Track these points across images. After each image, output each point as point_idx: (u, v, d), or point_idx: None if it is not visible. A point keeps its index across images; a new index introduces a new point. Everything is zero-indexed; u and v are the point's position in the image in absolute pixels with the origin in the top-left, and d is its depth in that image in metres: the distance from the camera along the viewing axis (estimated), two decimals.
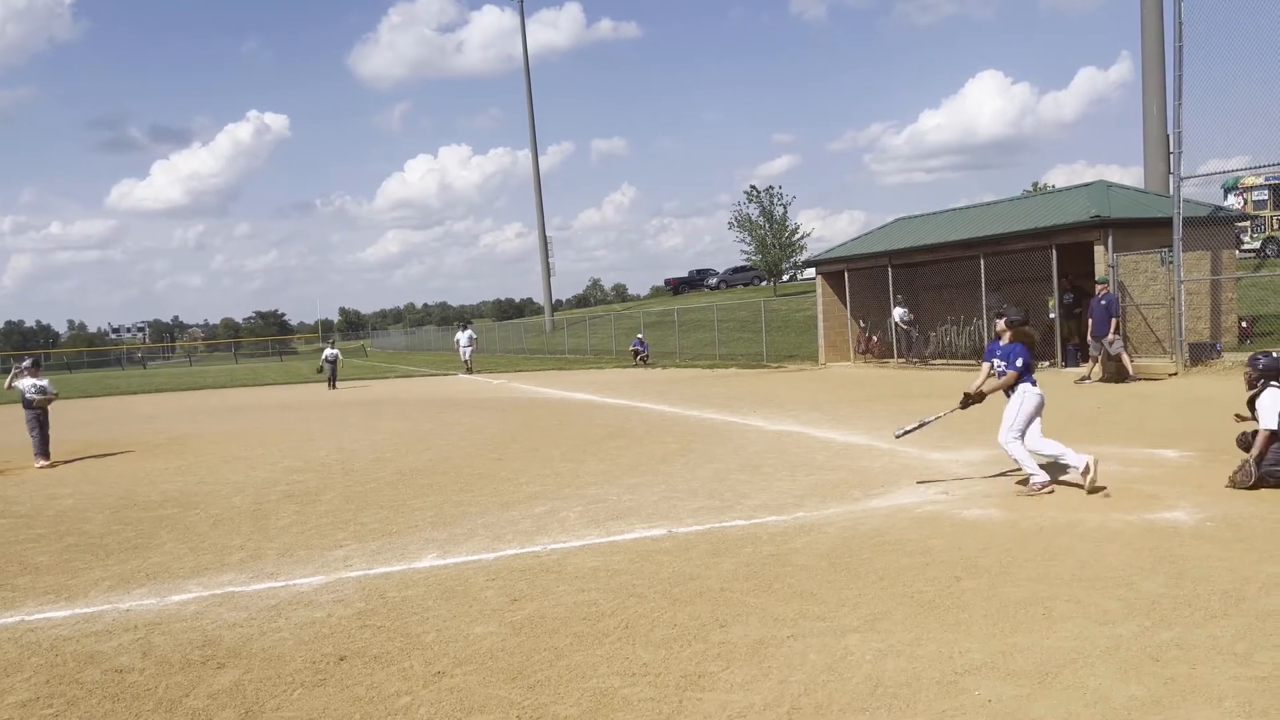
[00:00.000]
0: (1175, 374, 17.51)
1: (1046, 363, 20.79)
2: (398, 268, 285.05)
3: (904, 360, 24.82)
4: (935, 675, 4.34)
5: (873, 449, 11.10)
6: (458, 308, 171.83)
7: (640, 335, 35.40)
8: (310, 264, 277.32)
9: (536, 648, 5.00)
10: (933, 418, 9.32)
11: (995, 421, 8.53)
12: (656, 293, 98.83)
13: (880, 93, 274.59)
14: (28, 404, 13.88)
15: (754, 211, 50.90)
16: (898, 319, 24.64)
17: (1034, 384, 8.31)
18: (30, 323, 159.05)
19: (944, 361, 24.15)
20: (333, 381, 30.62)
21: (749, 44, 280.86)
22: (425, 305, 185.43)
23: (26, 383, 13.98)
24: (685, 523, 7.75)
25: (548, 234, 60.32)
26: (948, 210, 28.54)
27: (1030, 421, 8.27)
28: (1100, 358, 17.69)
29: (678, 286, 70.74)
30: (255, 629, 5.54)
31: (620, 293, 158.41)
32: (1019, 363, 8.25)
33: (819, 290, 27.91)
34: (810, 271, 32.43)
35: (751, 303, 37.91)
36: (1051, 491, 8.00)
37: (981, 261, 22.13)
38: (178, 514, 9.35)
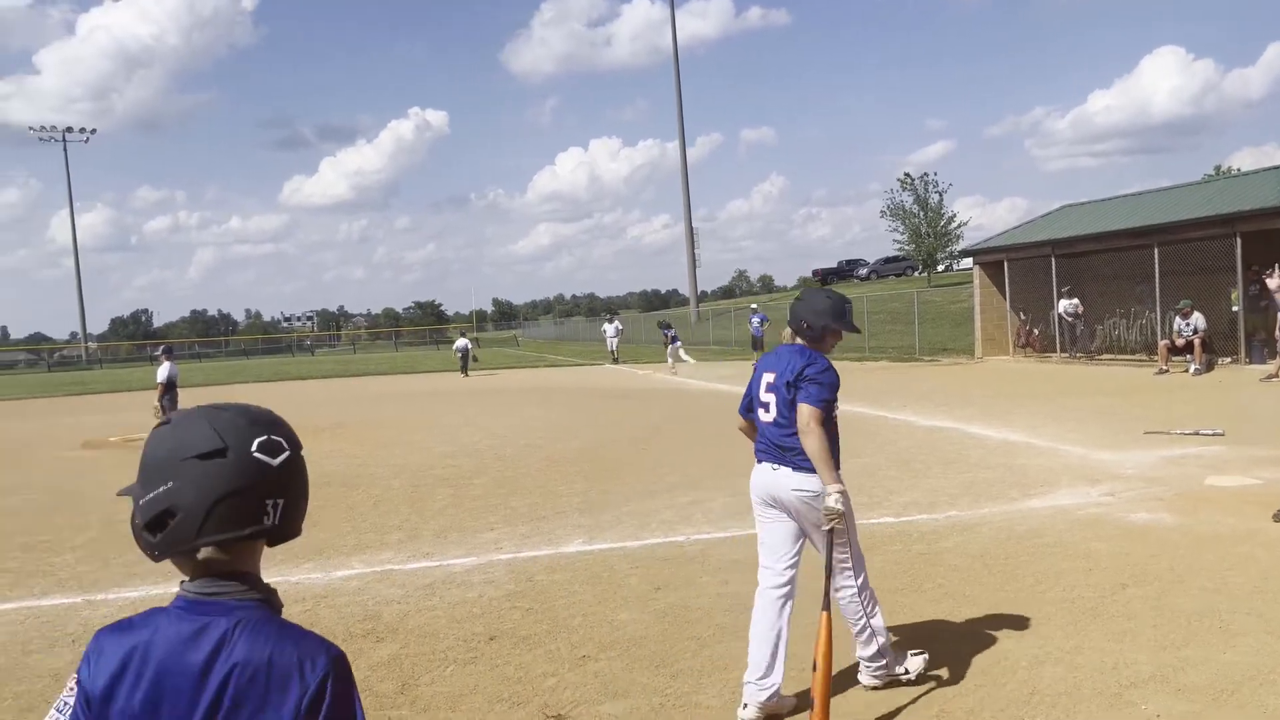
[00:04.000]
0: None
1: (1229, 359, 19.39)
2: (548, 260, 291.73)
3: (1067, 355, 23.65)
4: (1097, 686, 4.12)
5: (1031, 447, 10.63)
6: (605, 299, 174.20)
7: (755, 306, 33.83)
8: (465, 256, 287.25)
9: (679, 637, 5.03)
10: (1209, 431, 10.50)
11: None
12: (804, 283, 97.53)
13: (1042, 74, 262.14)
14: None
15: (908, 199, 49.48)
16: (1063, 311, 23.46)
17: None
18: (213, 311, 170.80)
19: (1110, 357, 22.86)
20: (465, 370, 31.79)
21: (900, 27, 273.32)
22: (574, 297, 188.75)
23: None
24: None
25: (694, 225, 60.37)
26: (1118, 196, 26.96)
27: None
28: None
29: (825, 277, 69.47)
30: (412, 606, 5.79)
31: (766, 284, 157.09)
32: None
33: (976, 281, 26.89)
34: (967, 261, 31.20)
35: (904, 294, 36.80)
36: None
37: (1155, 251, 20.81)
38: (341, 494, 9.86)
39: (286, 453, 1.49)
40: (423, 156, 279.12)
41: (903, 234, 50.13)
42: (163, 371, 14.75)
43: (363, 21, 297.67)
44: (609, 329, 37.49)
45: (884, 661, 4.26)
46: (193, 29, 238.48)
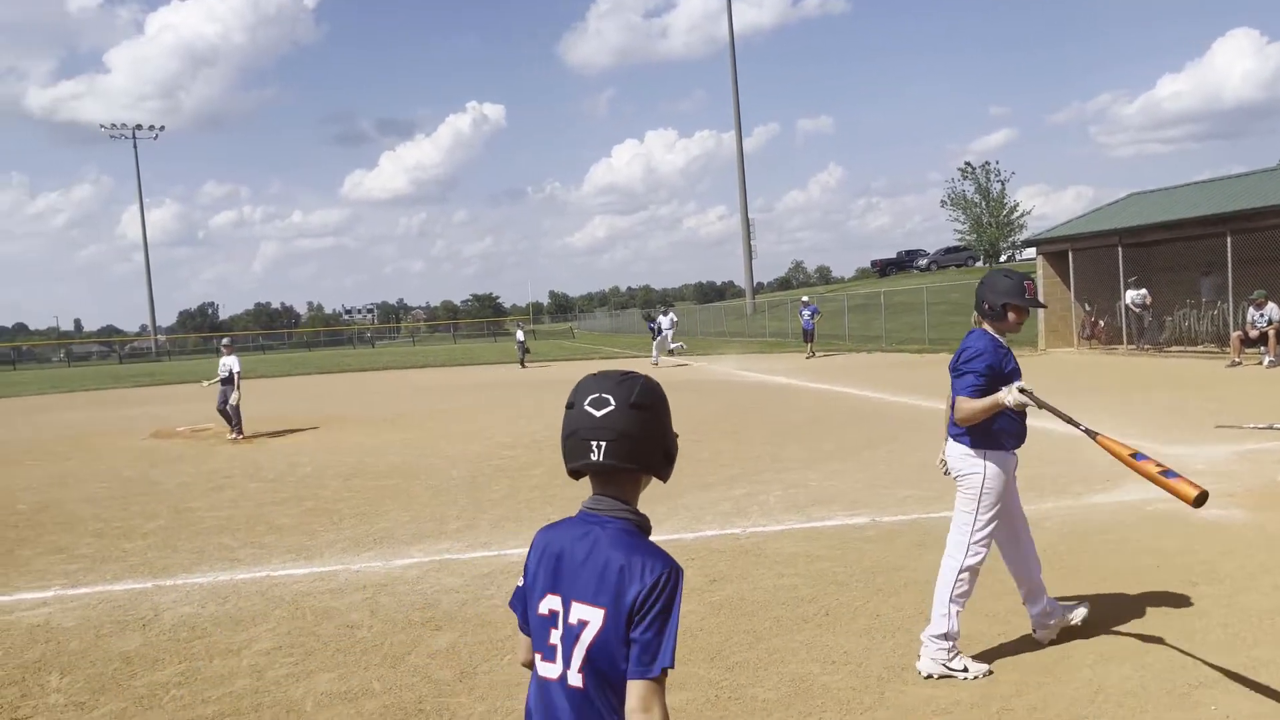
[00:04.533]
0: None
1: None
2: (604, 252, 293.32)
3: (1134, 347, 23.07)
4: (1164, 686, 4.02)
5: None
6: (660, 291, 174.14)
7: (806, 299, 33.03)
8: (522, 249, 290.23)
9: (735, 629, 5.01)
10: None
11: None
12: (862, 275, 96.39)
13: (1109, 59, 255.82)
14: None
15: (969, 189, 48.78)
16: (1131, 302, 22.87)
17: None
18: (276, 304, 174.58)
19: (1180, 349, 22.24)
20: (522, 361, 32.20)
21: (962, 13, 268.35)
22: (629, 288, 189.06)
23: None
24: (890, 512, 7.54)
25: (750, 216, 59.85)
26: (1189, 184, 26.21)
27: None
28: None
29: (884, 268, 68.56)
30: (470, 595, 5.86)
31: (824, 275, 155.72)
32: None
33: (1040, 271, 26.33)
34: (1030, 251, 30.60)
35: (965, 284, 36.15)
36: None
37: (1229, 239, 20.16)
38: (402, 484, 10.00)
39: (637, 410, 2.10)
40: (480, 150, 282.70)
41: (964, 224, 49.53)
42: (236, 363, 15.06)
43: (421, 16, 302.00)
44: (664, 321, 37.54)
45: (948, 646, 4.25)
46: (257, 27, 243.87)
